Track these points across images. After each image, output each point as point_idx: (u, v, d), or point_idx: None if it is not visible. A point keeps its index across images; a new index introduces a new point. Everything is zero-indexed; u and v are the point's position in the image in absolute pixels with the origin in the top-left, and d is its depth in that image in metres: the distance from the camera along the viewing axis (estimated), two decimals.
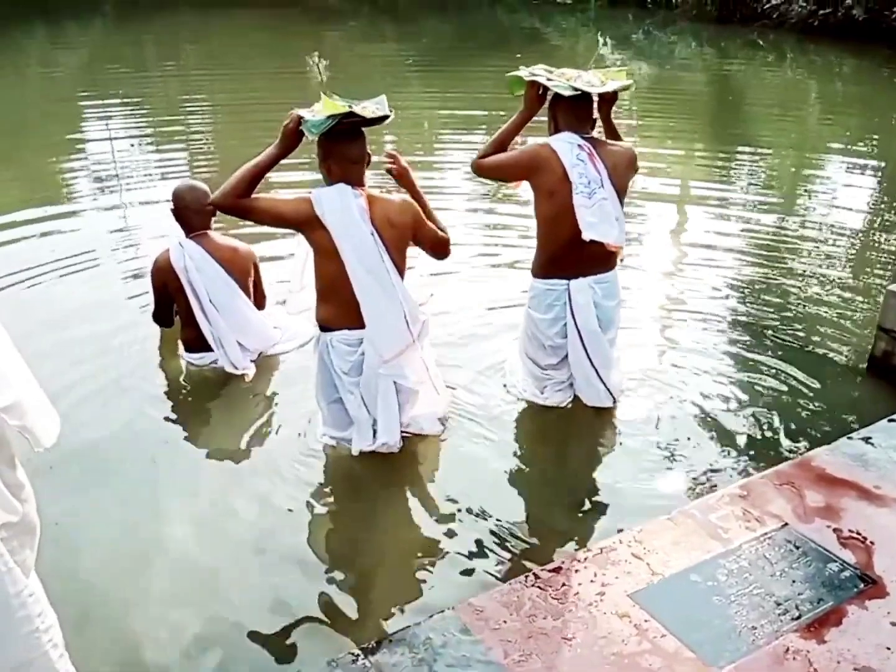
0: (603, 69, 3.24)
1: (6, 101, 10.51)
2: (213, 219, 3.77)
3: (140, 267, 4.94)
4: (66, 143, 8.54)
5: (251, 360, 3.79)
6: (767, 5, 16.96)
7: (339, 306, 2.92)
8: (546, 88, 3.12)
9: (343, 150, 2.86)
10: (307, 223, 2.83)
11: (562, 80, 3.07)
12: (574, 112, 3.14)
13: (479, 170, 3.24)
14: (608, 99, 3.24)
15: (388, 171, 3.08)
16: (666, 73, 13.82)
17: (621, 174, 3.18)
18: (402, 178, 3.08)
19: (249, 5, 21.67)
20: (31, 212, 6.06)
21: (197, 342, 3.74)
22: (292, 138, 2.80)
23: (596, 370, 3.32)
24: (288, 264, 4.56)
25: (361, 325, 2.92)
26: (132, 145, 8.57)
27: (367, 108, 2.80)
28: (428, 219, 3.06)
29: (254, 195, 2.80)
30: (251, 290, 3.84)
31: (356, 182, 2.89)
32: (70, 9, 20.96)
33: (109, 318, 4.26)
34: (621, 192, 3.18)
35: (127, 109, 10.22)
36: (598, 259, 3.19)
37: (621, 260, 3.35)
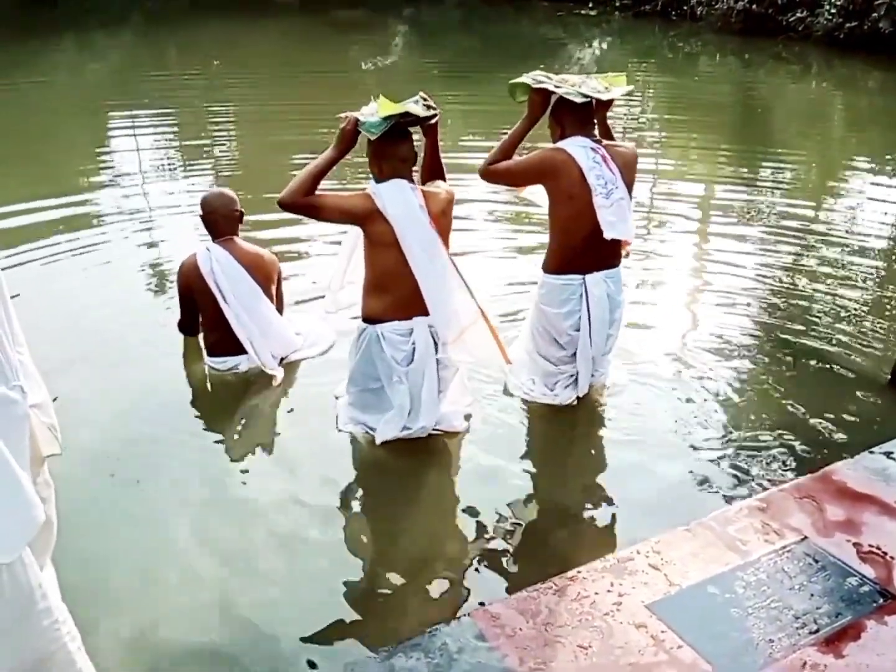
0: (602, 74, 3.30)
1: (36, 106, 10.69)
2: (240, 225, 3.84)
3: (163, 270, 5.02)
4: (92, 147, 8.66)
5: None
6: (793, 18, 16.88)
7: (392, 298, 3.05)
8: (550, 94, 3.18)
9: (395, 149, 3.00)
10: (370, 217, 2.96)
11: (567, 86, 3.13)
12: (579, 117, 3.20)
13: (491, 175, 3.31)
14: (605, 102, 3.30)
15: (425, 123, 3.07)
16: (690, 85, 13.79)
17: (630, 172, 3.29)
18: (433, 130, 3.13)
19: (276, 17, 21.90)
20: (56, 212, 6.16)
21: (219, 346, 3.78)
22: (350, 140, 2.94)
23: (593, 360, 3.44)
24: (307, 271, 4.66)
25: (410, 317, 3.07)
26: (157, 150, 8.67)
27: (417, 108, 2.92)
28: (438, 168, 3.23)
29: (316, 193, 2.93)
30: (273, 296, 3.88)
31: (407, 179, 3.03)
32: (99, 18, 21.28)
33: (132, 323, 4.32)
34: (630, 189, 3.29)
35: (153, 115, 10.33)
36: (609, 255, 3.33)
37: (626, 255, 3.47)
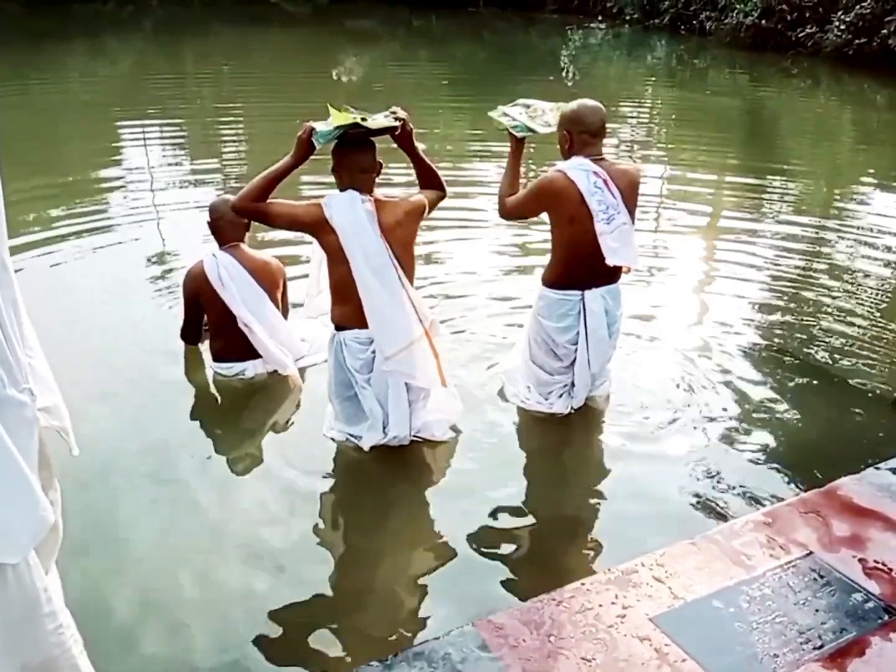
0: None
1: (46, 109, 10.78)
2: (247, 233, 3.86)
3: (170, 276, 5.03)
4: (101, 151, 8.73)
5: (274, 371, 3.84)
6: (802, 34, 16.93)
7: (350, 307, 3.05)
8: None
9: (352, 159, 3.02)
10: (318, 226, 3.00)
11: (523, 117, 3.29)
12: (589, 132, 3.19)
13: (507, 215, 3.39)
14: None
15: (393, 132, 3.03)
16: (699, 99, 13.82)
17: (633, 195, 3.29)
18: (404, 141, 3.10)
19: (287, 27, 22.05)
20: (63, 215, 6.23)
21: (226, 352, 3.79)
22: (305, 148, 2.95)
23: (592, 375, 3.47)
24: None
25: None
26: (167, 155, 8.73)
27: (377, 121, 2.94)
28: (429, 176, 3.22)
29: (269, 200, 2.97)
30: (279, 302, 3.90)
31: (365, 189, 3.04)
32: (111, 25, 21.47)
33: (138, 328, 4.34)
34: (633, 211, 3.29)
35: (163, 120, 10.40)
36: (609, 272, 3.33)
37: (627, 271, 3.46)
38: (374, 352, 3.10)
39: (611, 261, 3.18)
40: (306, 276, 3.63)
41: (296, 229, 3.11)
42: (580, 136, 3.20)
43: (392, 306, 3.03)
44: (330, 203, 2.99)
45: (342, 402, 3.25)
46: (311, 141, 2.92)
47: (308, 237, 3.19)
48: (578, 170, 3.16)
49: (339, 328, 3.15)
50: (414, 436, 3.28)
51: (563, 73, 15.66)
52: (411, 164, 3.24)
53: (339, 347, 3.15)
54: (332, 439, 3.33)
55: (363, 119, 2.89)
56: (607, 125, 3.26)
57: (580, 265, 3.27)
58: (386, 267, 3.01)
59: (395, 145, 3.14)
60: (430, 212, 3.24)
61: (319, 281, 3.36)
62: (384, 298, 3.01)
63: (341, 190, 3.06)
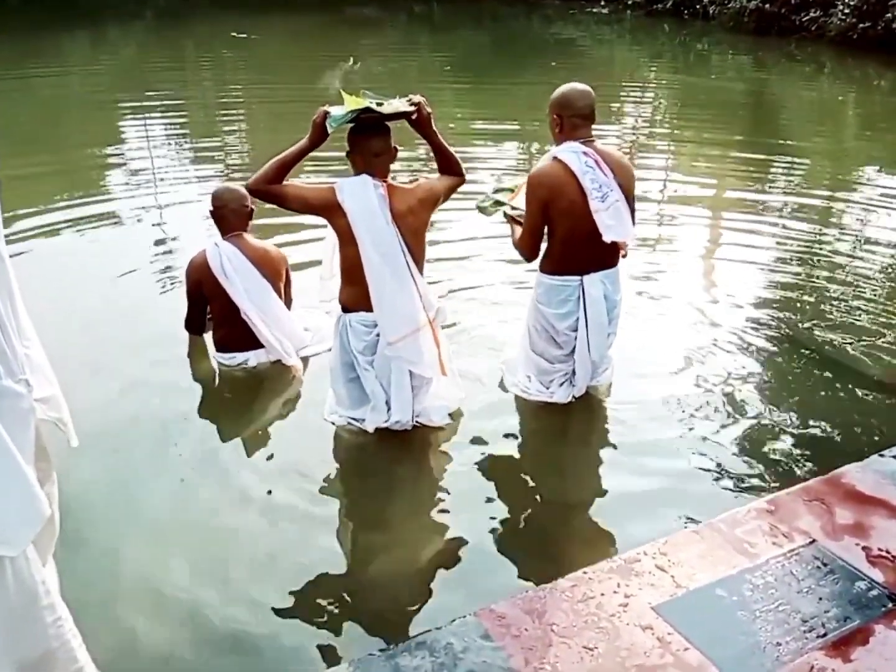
0: None
1: (47, 98, 10.75)
2: (250, 222, 3.84)
3: (173, 266, 5.02)
4: (102, 140, 8.68)
5: (277, 361, 3.82)
6: (806, 17, 16.82)
7: (358, 289, 3.07)
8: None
9: (366, 143, 3.03)
10: (330, 209, 3.02)
11: (506, 201, 3.46)
12: (580, 116, 3.18)
13: (527, 246, 3.33)
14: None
15: (409, 116, 3.02)
16: (702, 84, 13.74)
17: (627, 177, 3.28)
18: (421, 126, 3.07)
19: (287, 13, 21.94)
20: (64, 202, 6.24)
21: (229, 342, 3.78)
22: (319, 132, 2.97)
23: (592, 363, 3.46)
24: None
25: None
26: (168, 144, 8.70)
27: (392, 105, 2.93)
28: (447, 161, 3.18)
29: (284, 182, 2.99)
30: (281, 291, 3.88)
31: (379, 174, 3.05)
32: (112, 14, 21.38)
33: (140, 319, 4.32)
34: (628, 193, 3.27)
35: (164, 109, 10.36)
36: (607, 255, 3.33)
37: (624, 255, 3.46)
38: (378, 335, 3.12)
39: (608, 237, 3.17)
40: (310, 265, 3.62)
41: (309, 212, 3.12)
42: (570, 119, 3.19)
43: (399, 293, 3.04)
44: (342, 187, 3.00)
45: (346, 383, 3.27)
46: (325, 125, 2.93)
47: (318, 225, 3.17)
48: (569, 152, 3.17)
49: (345, 310, 3.18)
50: (415, 421, 3.30)
51: (565, 59, 15.56)
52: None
53: (344, 329, 3.18)
54: (333, 423, 3.35)
55: (378, 104, 2.90)
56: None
57: (578, 249, 3.26)
58: (395, 253, 3.02)
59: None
60: (447, 198, 3.24)
61: (333, 265, 3.37)
62: (392, 285, 3.03)
63: (356, 174, 3.06)
